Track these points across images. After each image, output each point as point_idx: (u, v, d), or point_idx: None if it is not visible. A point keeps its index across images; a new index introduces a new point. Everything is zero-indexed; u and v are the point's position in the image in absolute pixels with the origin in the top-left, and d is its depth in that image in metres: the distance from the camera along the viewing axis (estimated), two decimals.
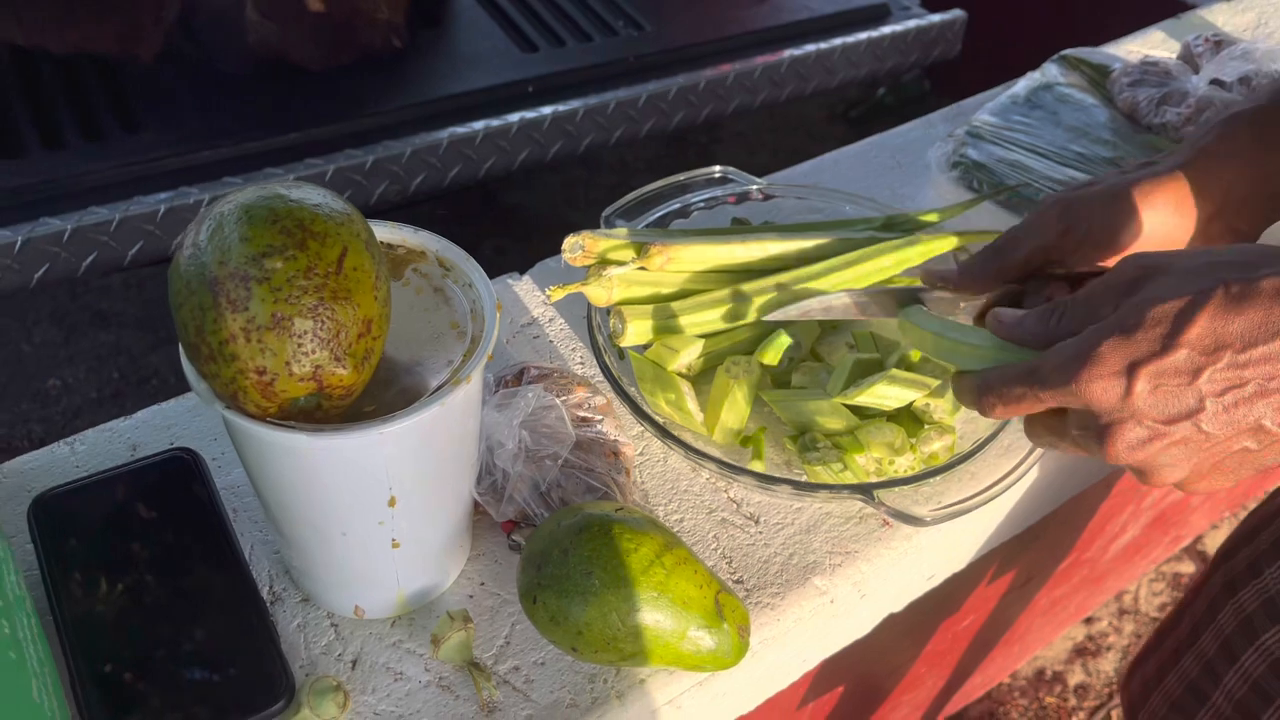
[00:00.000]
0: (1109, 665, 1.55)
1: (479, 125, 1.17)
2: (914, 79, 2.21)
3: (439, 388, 0.45)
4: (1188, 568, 1.67)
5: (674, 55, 1.31)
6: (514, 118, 1.20)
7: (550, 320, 0.72)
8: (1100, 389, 0.41)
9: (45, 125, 1.10)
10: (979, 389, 0.46)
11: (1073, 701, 1.50)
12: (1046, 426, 0.46)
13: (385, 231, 0.52)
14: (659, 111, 1.27)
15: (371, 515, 0.48)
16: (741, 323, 0.67)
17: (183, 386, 0.49)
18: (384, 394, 0.47)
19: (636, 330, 0.65)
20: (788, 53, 1.34)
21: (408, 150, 1.12)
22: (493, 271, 0.77)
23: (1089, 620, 1.60)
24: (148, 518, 0.55)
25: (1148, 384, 0.40)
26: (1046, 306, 0.47)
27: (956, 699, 1.41)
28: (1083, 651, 1.56)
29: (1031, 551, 1.11)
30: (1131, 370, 0.40)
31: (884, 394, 0.62)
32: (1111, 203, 0.54)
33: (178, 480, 0.58)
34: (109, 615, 0.52)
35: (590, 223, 0.75)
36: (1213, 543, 1.68)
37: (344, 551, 0.50)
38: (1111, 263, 0.54)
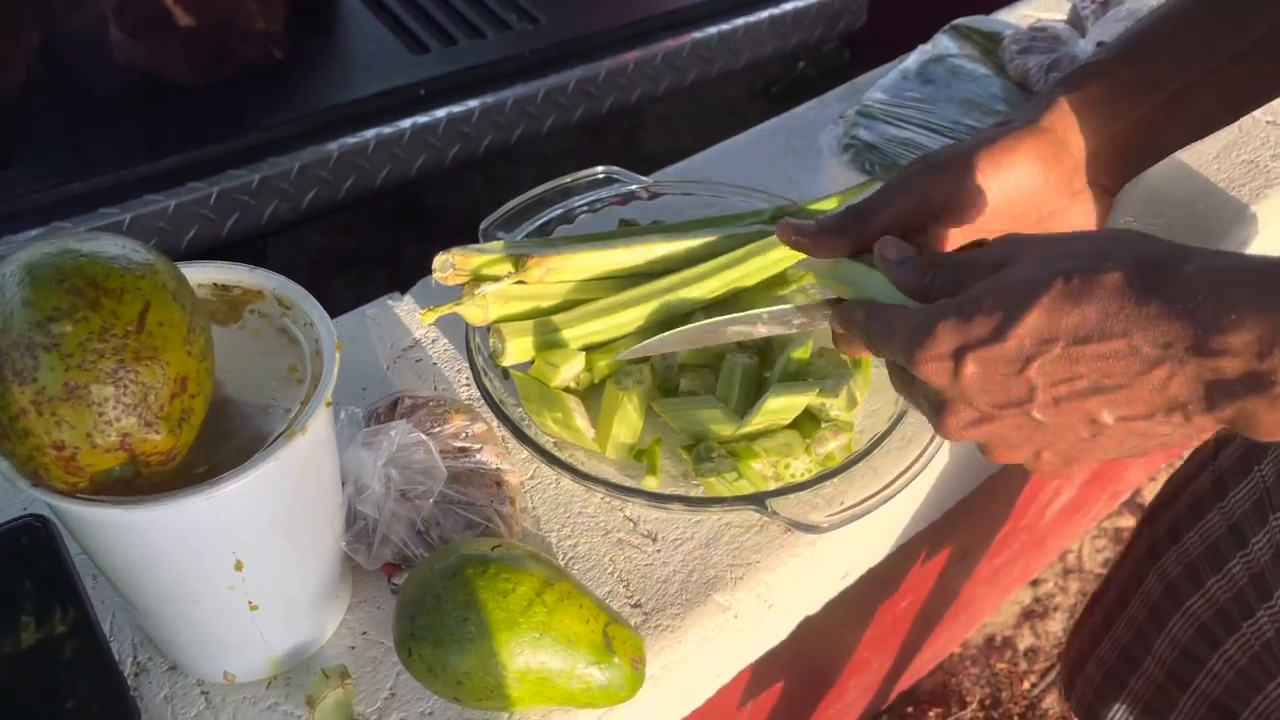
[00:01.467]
0: (1057, 626, 1.55)
1: (370, 134, 1.13)
2: (833, 49, 2.19)
3: (272, 441, 0.42)
4: (1128, 521, 1.68)
5: (571, 47, 1.27)
6: (406, 123, 1.15)
7: (433, 341, 0.69)
8: (933, 369, 0.42)
9: None
10: (845, 320, 0.48)
11: (1024, 665, 1.50)
12: (902, 380, 0.46)
13: (217, 272, 0.48)
14: (559, 106, 1.24)
15: (218, 581, 0.44)
16: (628, 331, 0.64)
17: None
18: (220, 450, 0.43)
19: (517, 348, 0.62)
20: (689, 36, 1.31)
21: (296, 165, 1.08)
22: (414, 277, 0.73)
23: (1035, 583, 1.61)
24: None
25: (977, 369, 0.40)
26: (928, 258, 0.46)
27: (907, 675, 1.41)
28: (1030, 615, 1.56)
29: (964, 527, 1.10)
30: (960, 354, 0.40)
31: (776, 409, 0.59)
32: (968, 165, 0.52)
33: (28, 551, 0.54)
34: None
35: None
36: (1151, 495, 1.69)
37: (198, 619, 0.47)
38: (975, 225, 0.53)
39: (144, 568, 0.43)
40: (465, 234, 0.67)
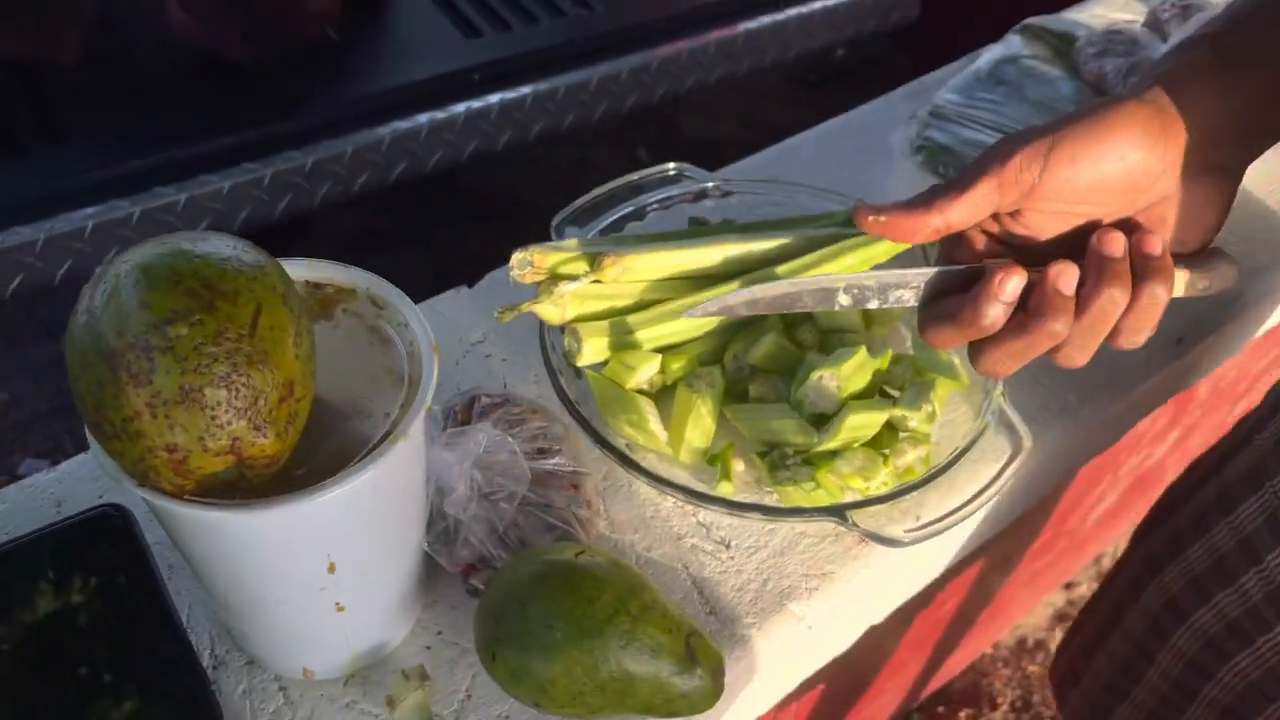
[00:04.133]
0: None
1: (423, 119, 1.13)
2: (869, 36, 2.17)
3: (374, 446, 0.42)
4: None
5: (625, 35, 1.26)
6: (459, 108, 1.15)
7: (501, 334, 0.69)
8: None
9: None
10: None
11: None
12: None
13: (310, 270, 0.48)
14: (611, 95, 1.23)
15: (310, 583, 0.44)
16: (703, 333, 0.64)
17: None
18: (316, 453, 0.43)
19: (593, 348, 0.61)
20: (742, 26, 1.30)
21: (349, 149, 1.07)
22: (447, 260, 0.73)
23: (1069, 585, 1.60)
24: (71, 585, 0.51)
25: None
26: None
27: (939, 675, 1.41)
28: (1064, 618, 1.56)
29: (1010, 533, 1.09)
30: None
31: (856, 425, 0.59)
32: (1066, 136, 0.49)
33: (105, 540, 0.54)
34: (28, 693, 0.48)
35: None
36: None
37: (284, 618, 0.47)
38: (1071, 206, 0.50)
39: (239, 568, 0.43)
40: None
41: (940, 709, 1.44)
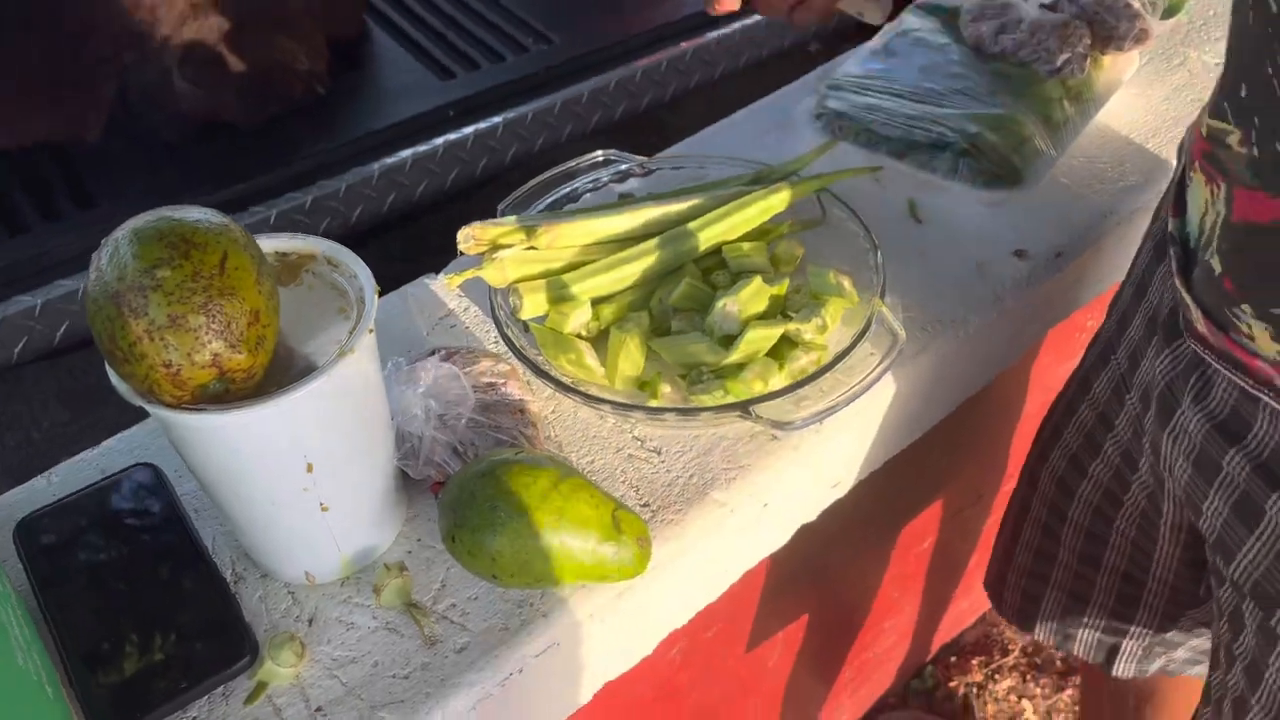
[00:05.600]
0: None
1: (407, 153, 1.26)
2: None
3: (328, 361, 0.53)
4: None
5: (582, 62, 1.39)
6: (439, 141, 1.28)
7: (465, 309, 0.80)
8: None
9: (6, 213, 1.19)
10: None
11: None
12: None
13: (277, 242, 0.59)
14: (575, 116, 1.35)
15: (294, 482, 0.55)
16: (629, 284, 0.75)
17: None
18: (285, 378, 0.54)
19: (532, 303, 0.72)
20: (690, 44, 1.42)
21: (343, 186, 1.21)
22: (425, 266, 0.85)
23: None
24: (119, 524, 0.63)
25: None
26: None
27: (948, 626, 1.48)
28: None
29: (971, 470, 1.18)
30: None
31: (755, 339, 0.69)
32: None
33: (142, 490, 0.65)
34: (92, 608, 0.59)
35: None
36: None
37: (279, 520, 0.58)
38: None
39: (236, 470, 0.54)
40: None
41: (953, 659, 1.51)
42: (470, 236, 0.72)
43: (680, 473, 0.68)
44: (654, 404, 0.69)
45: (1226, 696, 0.65)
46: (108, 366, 0.51)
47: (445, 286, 0.81)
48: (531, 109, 1.32)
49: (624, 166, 0.84)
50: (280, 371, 0.54)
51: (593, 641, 0.63)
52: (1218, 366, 0.59)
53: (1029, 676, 1.49)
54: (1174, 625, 0.82)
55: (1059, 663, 1.51)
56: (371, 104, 1.31)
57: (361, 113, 1.30)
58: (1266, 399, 0.55)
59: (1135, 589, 0.81)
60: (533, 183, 0.82)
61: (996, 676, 1.49)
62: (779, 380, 0.68)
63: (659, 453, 0.69)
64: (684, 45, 1.44)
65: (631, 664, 0.69)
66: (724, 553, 0.69)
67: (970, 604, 1.49)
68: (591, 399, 0.67)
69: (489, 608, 0.61)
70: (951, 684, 1.48)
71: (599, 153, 0.85)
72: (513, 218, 0.76)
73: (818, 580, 1.02)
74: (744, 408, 0.65)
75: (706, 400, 0.68)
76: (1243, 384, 0.57)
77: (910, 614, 1.31)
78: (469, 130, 1.29)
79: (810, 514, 0.76)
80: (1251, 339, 0.54)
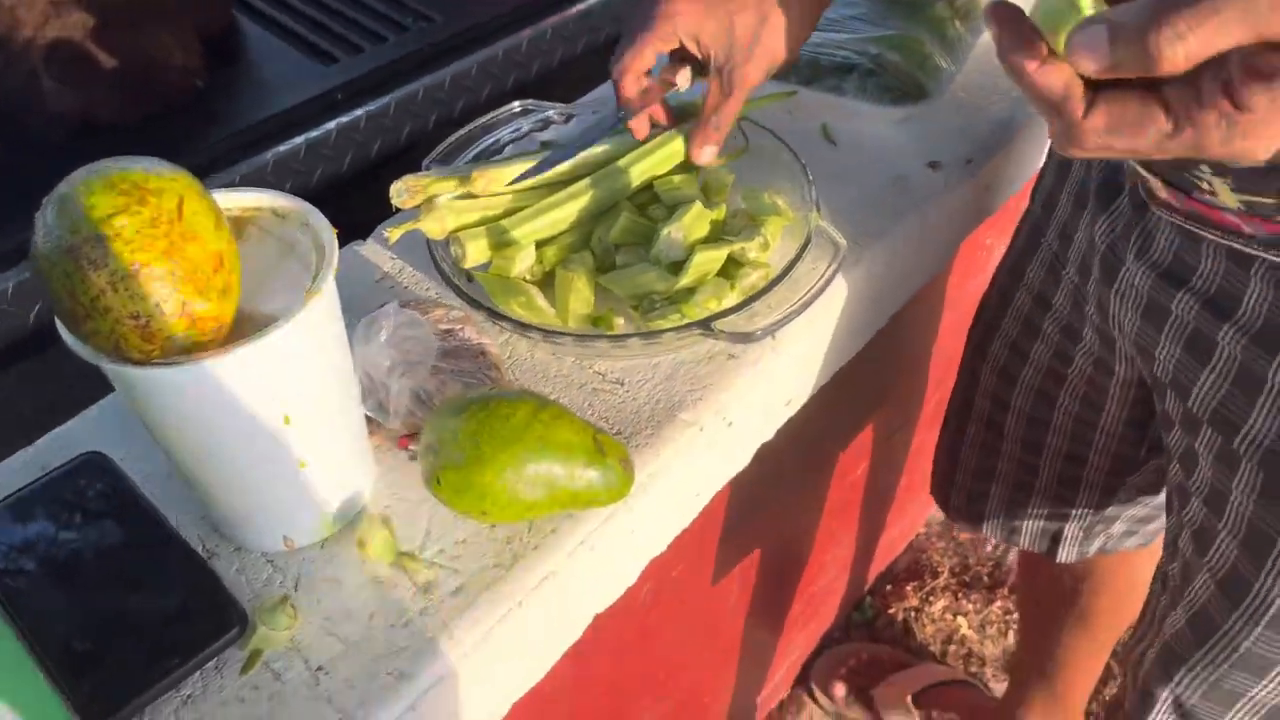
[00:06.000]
0: None
1: (299, 139, 1.22)
2: None
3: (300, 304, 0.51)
4: None
5: (467, 36, 1.37)
6: (330, 125, 1.24)
7: (400, 270, 0.79)
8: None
9: None
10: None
11: None
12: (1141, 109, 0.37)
13: (221, 199, 0.57)
14: (466, 89, 1.34)
15: (272, 438, 0.53)
16: (568, 224, 0.75)
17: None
18: (252, 332, 0.52)
19: (475, 250, 0.72)
20: (574, 9, 1.42)
21: (236, 177, 1.16)
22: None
23: None
24: (78, 516, 0.60)
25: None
26: None
27: (881, 557, 1.52)
28: None
29: (894, 395, 1.22)
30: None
31: (704, 261, 0.70)
32: None
33: (95, 479, 0.62)
34: (65, 603, 0.56)
35: None
36: None
37: (259, 480, 0.56)
38: None
39: (213, 429, 0.52)
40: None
41: (889, 587, 1.56)
42: (404, 189, 0.71)
43: (646, 400, 0.68)
44: (616, 332, 0.69)
45: (1184, 530, 0.69)
46: (65, 331, 0.49)
47: (387, 242, 0.79)
48: (421, 86, 1.30)
49: (544, 115, 0.84)
50: (243, 325, 0.53)
51: (584, 571, 0.63)
52: (1170, 220, 0.60)
53: (960, 595, 1.55)
54: (1112, 500, 0.87)
55: (986, 578, 1.58)
56: (255, 94, 1.27)
57: (246, 104, 1.25)
58: (1211, 236, 0.59)
59: (1077, 468, 0.86)
60: (454, 137, 0.81)
61: (930, 599, 1.55)
62: (733, 298, 0.69)
63: (622, 383, 0.70)
64: (567, 13, 1.44)
65: (618, 594, 0.69)
66: (695, 473, 0.70)
67: (900, 531, 1.54)
68: (551, 334, 0.67)
69: (478, 549, 0.61)
70: (890, 611, 1.53)
71: (516, 104, 0.85)
72: (445, 168, 0.75)
73: (767, 514, 1.04)
74: (705, 325, 0.66)
75: (663, 324, 0.68)
76: (1212, 237, 0.58)
77: (848, 546, 1.35)
78: (360, 112, 1.26)
79: (768, 432, 0.78)
80: (1214, 194, 0.56)
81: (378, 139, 1.28)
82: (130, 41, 1.16)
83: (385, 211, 0.78)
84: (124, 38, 1.17)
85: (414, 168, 0.77)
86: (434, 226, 0.71)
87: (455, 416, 0.59)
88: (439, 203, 0.71)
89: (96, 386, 0.70)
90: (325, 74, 1.32)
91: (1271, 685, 0.65)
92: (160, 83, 1.20)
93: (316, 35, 1.39)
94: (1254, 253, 0.57)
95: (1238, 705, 0.67)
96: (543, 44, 1.41)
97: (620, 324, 0.71)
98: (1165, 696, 0.71)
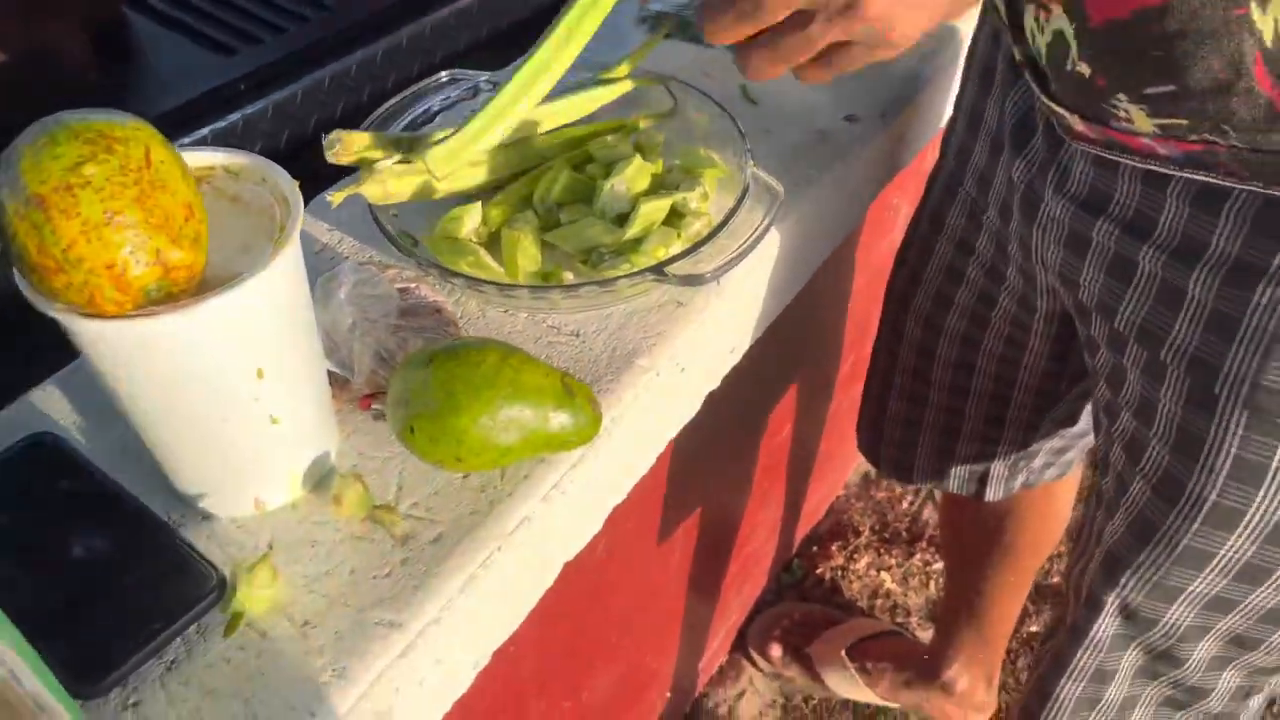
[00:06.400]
0: None
1: (205, 131, 1.19)
2: None
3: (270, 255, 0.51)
4: None
5: (369, 24, 1.36)
6: (235, 117, 1.22)
7: (340, 241, 0.78)
8: None
9: None
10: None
11: (899, 489, 1.69)
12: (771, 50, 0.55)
13: None
14: (371, 76, 1.33)
15: (245, 392, 0.53)
16: (499, 175, 0.76)
17: None
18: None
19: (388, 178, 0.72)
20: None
21: None
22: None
23: None
24: (35, 495, 0.58)
25: None
26: None
27: (805, 522, 1.57)
28: None
29: (814, 354, 1.27)
30: None
31: (649, 211, 0.72)
32: None
33: (48, 458, 0.60)
34: (34, 582, 0.54)
35: None
36: None
37: (230, 437, 0.55)
38: None
39: (181, 386, 0.51)
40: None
41: (814, 549, 1.60)
42: (337, 140, 0.71)
43: (603, 348, 0.70)
44: (571, 281, 0.70)
45: (1114, 444, 0.74)
46: (29, 290, 0.48)
47: (316, 224, 0.78)
48: (328, 73, 1.29)
49: (472, 84, 0.84)
50: (211, 283, 0.52)
51: (557, 516, 0.64)
52: (1087, 151, 0.64)
53: (882, 551, 1.61)
54: (1035, 435, 0.92)
55: (905, 533, 1.64)
56: (154, 88, 1.23)
57: (146, 97, 1.22)
58: (1129, 162, 0.63)
59: (1001, 408, 0.90)
60: (384, 108, 0.81)
61: (855, 557, 1.60)
62: (679, 246, 0.72)
63: (578, 335, 0.71)
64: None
65: (585, 541, 0.70)
66: (653, 418, 0.72)
67: (822, 494, 1.59)
68: (505, 288, 0.68)
69: (453, 498, 0.61)
70: (818, 571, 1.57)
71: (443, 74, 0.85)
72: (380, 134, 0.75)
73: (705, 473, 1.07)
74: (659, 270, 0.68)
75: (614, 274, 0.70)
76: (1130, 162, 0.62)
77: (777, 508, 1.38)
78: (264, 103, 1.24)
79: (715, 380, 0.80)
80: (1130, 121, 0.60)
81: (285, 128, 1.26)
82: (13, 34, 1.12)
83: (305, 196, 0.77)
84: (6, 31, 1.13)
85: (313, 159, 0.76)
86: (376, 192, 0.71)
87: (424, 367, 0.59)
88: (380, 167, 0.71)
89: (37, 372, 0.68)
90: (226, 66, 1.29)
91: (1210, 577, 0.70)
92: (51, 77, 1.16)
93: (212, 29, 1.36)
94: (1170, 172, 0.61)
95: (1179, 599, 0.72)
96: (447, 29, 1.41)
97: (569, 278, 0.72)
98: (1112, 599, 0.75)
